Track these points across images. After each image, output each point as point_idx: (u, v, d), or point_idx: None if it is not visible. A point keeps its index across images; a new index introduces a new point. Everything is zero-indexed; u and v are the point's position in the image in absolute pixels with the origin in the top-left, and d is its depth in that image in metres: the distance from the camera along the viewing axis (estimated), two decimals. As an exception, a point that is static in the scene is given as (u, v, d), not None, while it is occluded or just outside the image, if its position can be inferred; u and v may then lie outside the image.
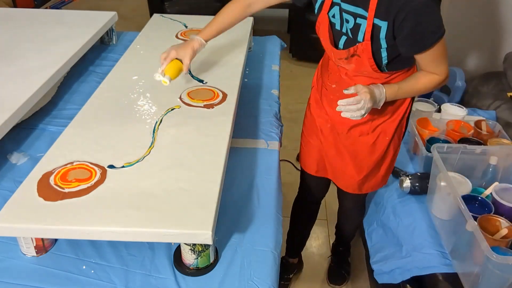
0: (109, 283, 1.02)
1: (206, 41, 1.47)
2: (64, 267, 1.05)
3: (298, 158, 1.83)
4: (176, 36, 1.90)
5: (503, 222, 1.27)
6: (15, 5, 3.92)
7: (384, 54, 1.22)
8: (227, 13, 1.46)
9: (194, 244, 1.01)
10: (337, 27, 1.26)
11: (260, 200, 1.25)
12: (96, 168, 1.13)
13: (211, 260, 1.06)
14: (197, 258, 1.03)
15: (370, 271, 1.59)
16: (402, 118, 1.41)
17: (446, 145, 1.51)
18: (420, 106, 1.89)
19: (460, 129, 1.75)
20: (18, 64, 1.60)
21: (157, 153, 1.19)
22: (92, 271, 1.04)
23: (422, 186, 1.56)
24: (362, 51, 1.22)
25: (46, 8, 4.38)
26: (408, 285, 1.41)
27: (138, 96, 1.45)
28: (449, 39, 2.46)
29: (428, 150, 1.60)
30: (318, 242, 2.11)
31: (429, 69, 1.28)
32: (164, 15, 2.14)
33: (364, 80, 1.30)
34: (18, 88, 1.46)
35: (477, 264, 1.20)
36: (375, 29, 1.18)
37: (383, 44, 1.19)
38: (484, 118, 1.81)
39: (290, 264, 1.97)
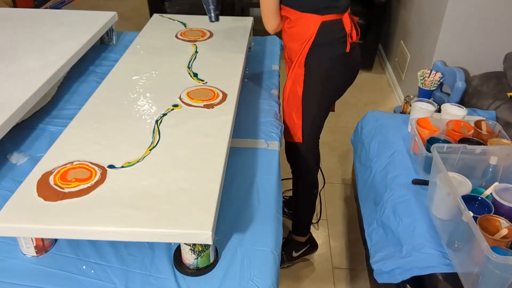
0: (109, 283, 1.02)
1: None
2: (64, 267, 1.05)
3: None
4: (176, 36, 1.90)
5: (503, 222, 1.27)
6: (15, 5, 3.92)
7: None
8: None
9: (194, 244, 1.01)
10: None
11: (260, 200, 1.25)
12: (96, 168, 1.13)
13: (211, 260, 1.06)
14: (197, 258, 1.03)
15: (370, 271, 1.59)
16: (303, 67, 1.56)
17: (446, 145, 1.51)
18: (420, 106, 1.89)
19: (460, 129, 1.74)
20: (18, 64, 1.60)
21: (157, 153, 1.19)
22: (92, 271, 1.04)
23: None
24: None
25: (46, 8, 4.38)
26: (408, 285, 1.41)
27: (138, 96, 1.45)
28: (450, 39, 2.47)
29: (428, 150, 1.60)
30: (318, 242, 2.11)
31: None
32: (164, 15, 2.15)
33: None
34: (18, 88, 1.46)
35: (477, 264, 1.20)
36: None
37: None
38: (484, 118, 1.81)
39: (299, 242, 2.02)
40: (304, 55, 1.53)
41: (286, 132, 1.74)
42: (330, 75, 1.59)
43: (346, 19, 1.53)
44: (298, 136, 1.71)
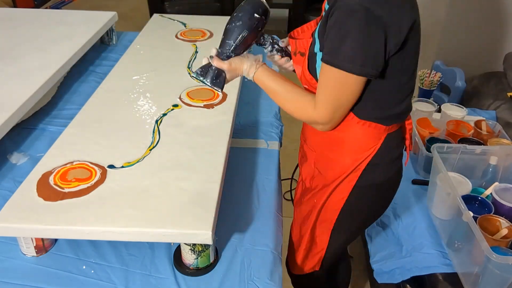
0: (109, 283, 1.02)
1: None
2: (64, 267, 1.05)
3: None
4: (176, 36, 1.90)
5: (503, 222, 1.27)
6: (15, 5, 3.91)
7: (318, 59, 0.99)
8: None
9: (194, 244, 1.01)
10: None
11: (260, 200, 1.25)
12: (96, 168, 1.13)
13: (211, 260, 1.06)
14: (197, 258, 1.03)
15: (370, 271, 1.59)
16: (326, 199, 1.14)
17: (446, 145, 1.51)
18: (420, 106, 1.89)
19: (460, 129, 1.74)
20: (18, 64, 1.60)
21: (157, 153, 1.19)
22: (92, 271, 1.04)
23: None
24: (304, 48, 1.08)
25: (46, 8, 4.37)
26: (408, 285, 1.41)
27: (138, 96, 1.45)
28: (450, 39, 2.46)
29: (428, 150, 1.60)
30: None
31: (316, 92, 1.01)
32: (164, 15, 2.14)
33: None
34: (18, 88, 1.46)
35: (477, 264, 1.20)
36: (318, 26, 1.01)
37: (317, 43, 1.00)
38: (484, 118, 1.81)
39: None
40: (354, 180, 1.10)
41: (293, 260, 1.35)
42: (378, 202, 1.21)
43: (409, 123, 1.14)
44: (313, 266, 1.32)
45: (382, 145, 1.06)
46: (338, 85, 0.94)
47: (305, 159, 1.23)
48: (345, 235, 1.25)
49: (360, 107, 1.01)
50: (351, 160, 1.08)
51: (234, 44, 1.08)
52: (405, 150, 1.17)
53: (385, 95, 1.01)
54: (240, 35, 1.07)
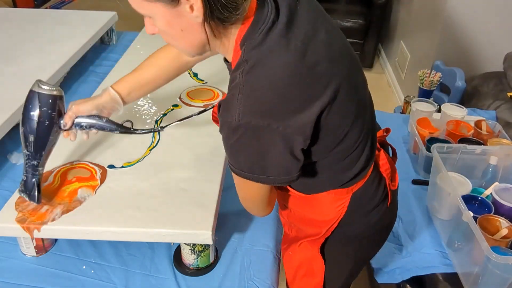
0: (109, 283, 1.02)
1: (122, 95, 1.13)
2: (64, 267, 1.05)
3: None
4: (176, 36, 1.89)
5: (503, 222, 1.27)
6: (15, 5, 3.91)
7: None
8: (153, 62, 1.18)
9: (194, 244, 1.01)
10: None
11: (260, 200, 1.25)
12: (96, 168, 1.13)
13: (211, 260, 1.06)
14: (197, 258, 1.03)
15: (370, 271, 1.59)
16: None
17: (446, 145, 1.51)
18: (420, 106, 1.89)
19: (460, 129, 1.74)
20: (18, 64, 1.60)
21: (157, 153, 1.19)
22: (92, 271, 1.04)
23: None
24: None
25: (46, 8, 4.37)
26: (408, 285, 1.41)
27: (138, 96, 1.45)
28: (450, 39, 2.47)
29: (428, 150, 1.60)
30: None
31: None
32: (164, 15, 2.14)
33: None
34: (18, 88, 1.45)
35: (477, 264, 1.20)
36: None
37: None
38: (484, 118, 1.81)
39: None
40: (322, 240, 1.03)
41: None
42: (363, 249, 1.10)
43: (383, 164, 1.01)
44: None
45: (349, 205, 0.97)
46: (244, 188, 0.90)
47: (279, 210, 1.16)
48: (340, 284, 1.17)
49: (311, 187, 0.95)
50: (317, 228, 1.02)
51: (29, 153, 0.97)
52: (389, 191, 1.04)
53: (328, 170, 0.92)
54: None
